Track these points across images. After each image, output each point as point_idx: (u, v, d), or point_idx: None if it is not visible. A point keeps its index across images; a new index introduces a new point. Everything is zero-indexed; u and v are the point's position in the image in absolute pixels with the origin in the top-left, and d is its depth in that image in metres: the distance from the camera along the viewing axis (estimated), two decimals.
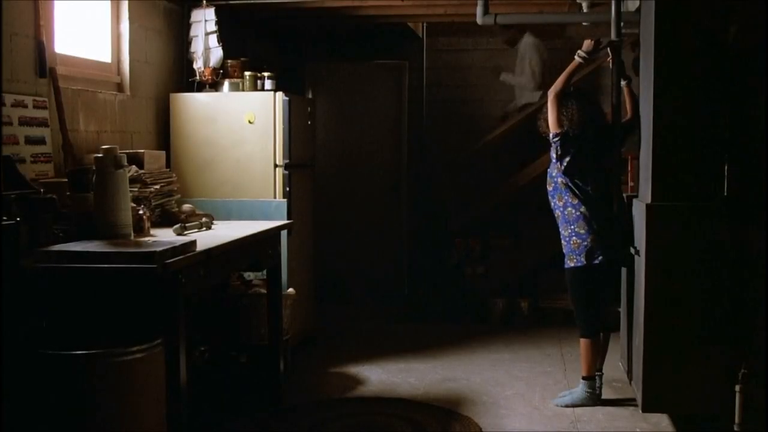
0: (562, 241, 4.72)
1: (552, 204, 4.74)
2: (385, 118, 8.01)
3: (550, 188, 4.72)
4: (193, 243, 3.49)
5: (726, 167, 4.32)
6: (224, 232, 4.33)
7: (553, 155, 4.66)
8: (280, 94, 5.43)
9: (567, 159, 4.63)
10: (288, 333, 5.22)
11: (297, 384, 5.18)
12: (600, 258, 4.60)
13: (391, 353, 5.99)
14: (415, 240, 7.93)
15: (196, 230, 4.34)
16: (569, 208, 4.65)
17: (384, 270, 7.96)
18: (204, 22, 5.52)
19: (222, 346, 4.87)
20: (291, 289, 5.24)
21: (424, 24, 7.83)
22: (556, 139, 4.63)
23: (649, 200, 4.27)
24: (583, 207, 4.63)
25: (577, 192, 4.65)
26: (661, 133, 4.22)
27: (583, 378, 4.73)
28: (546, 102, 4.70)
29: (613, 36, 4.69)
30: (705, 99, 4.14)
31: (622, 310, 5.06)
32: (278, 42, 8.01)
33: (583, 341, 4.71)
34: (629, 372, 4.72)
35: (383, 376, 5.40)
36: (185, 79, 5.74)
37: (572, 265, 4.67)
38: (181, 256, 3.29)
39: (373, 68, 8.03)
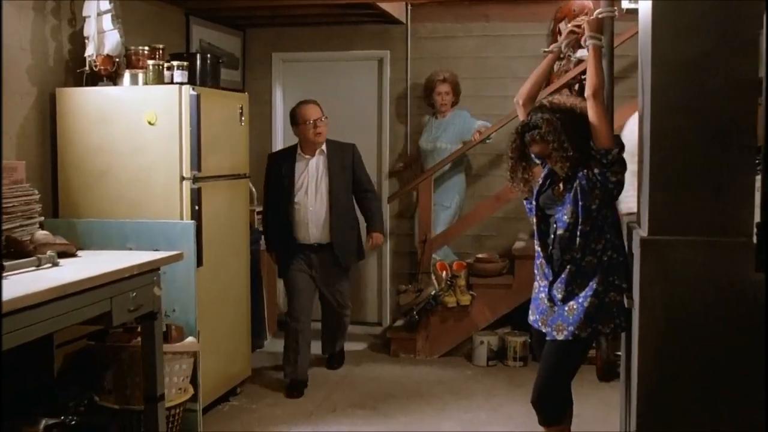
0: (588, 299, 3.32)
1: (577, 251, 3.33)
2: (364, 116, 6.84)
3: (586, 228, 3.30)
4: None
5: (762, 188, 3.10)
6: (70, 271, 3.24)
7: (608, 178, 3.30)
8: (186, 88, 4.31)
9: (620, 177, 3.34)
10: (187, 391, 4.10)
11: None
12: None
13: (338, 407, 4.84)
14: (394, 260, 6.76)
15: (31, 268, 3.25)
16: (610, 252, 3.33)
17: (359, 296, 6.80)
18: (97, 1, 4.42)
19: (89, 415, 3.76)
20: (190, 338, 4.11)
21: (408, 7, 6.66)
22: (616, 152, 3.28)
23: (645, 232, 3.06)
24: (624, 250, 3.40)
25: (620, 230, 3.42)
26: (662, 139, 3.01)
27: None
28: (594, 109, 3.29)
29: (602, 6, 3.48)
30: (725, 92, 2.92)
31: (622, 380, 3.84)
32: (243, 32, 6.92)
33: (554, 430, 3.48)
34: None
35: None
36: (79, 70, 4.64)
37: (607, 331, 3.35)
38: None
39: (350, 59, 6.87)
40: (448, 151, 6.17)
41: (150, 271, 3.55)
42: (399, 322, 6.21)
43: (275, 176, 5.20)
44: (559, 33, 6.06)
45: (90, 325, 3.54)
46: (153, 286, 3.56)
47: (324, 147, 5.20)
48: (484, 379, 5.46)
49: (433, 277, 5.90)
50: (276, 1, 5.85)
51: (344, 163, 5.24)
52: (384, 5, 6.02)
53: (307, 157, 5.18)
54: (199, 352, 4.24)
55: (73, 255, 3.63)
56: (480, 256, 6.10)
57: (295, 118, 5.20)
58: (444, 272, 5.92)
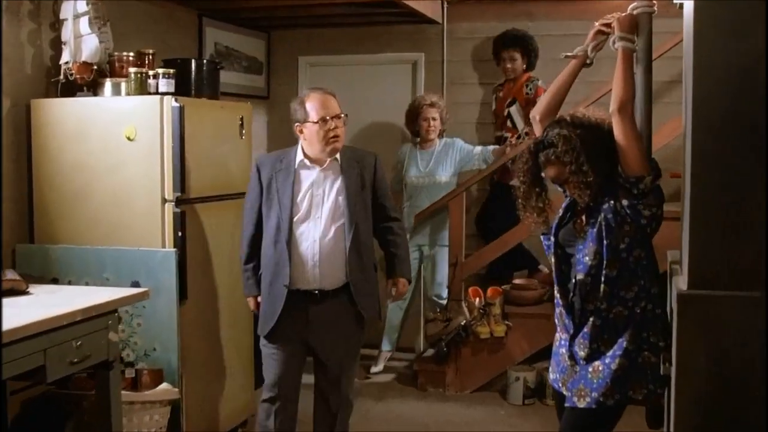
0: (617, 360, 2.71)
1: (601, 301, 2.73)
2: (397, 123, 6.28)
3: (612, 272, 2.70)
4: None
5: None
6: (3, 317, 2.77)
7: (639, 212, 2.68)
8: (168, 99, 3.82)
9: (656, 211, 2.70)
10: None
11: None
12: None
13: None
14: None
15: None
16: (644, 303, 2.72)
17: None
18: (74, 2, 3.97)
19: None
20: (164, 385, 3.62)
21: (444, 6, 6.09)
22: (649, 180, 2.67)
23: (685, 284, 2.44)
24: (663, 300, 2.81)
25: (657, 276, 2.80)
26: (704, 163, 2.39)
27: None
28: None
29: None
30: None
31: None
32: (267, 35, 6.45)
33: None
34: None
35: None
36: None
37: (639, 397, 2.73)
38: None
39: (382, 62, 6.33)
40: (451, 185, 5.56)
41: (105, 314, 3.06)
42: (429, 352, 5.64)
43: (263, 191, 3.61)
44: (508, 116, 5.62)
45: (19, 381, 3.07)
46: (108, 331, 3.07)
47: (337, 155, 3.62)
48: (518, 421, 4.86)
49: (465, 305, 5.31)
50: (296, 0, 5.36)
51: (364, 179, 3.64)
52: (413, 3, 5.46)
53: (313, 167, 3.58)
54: (182, 398, 3.77)
55: (23, 292, 3.19)
56: (517, 282, 5.48)
57: (301, 112, 3.54)
58: (477, 299, 5.33)
